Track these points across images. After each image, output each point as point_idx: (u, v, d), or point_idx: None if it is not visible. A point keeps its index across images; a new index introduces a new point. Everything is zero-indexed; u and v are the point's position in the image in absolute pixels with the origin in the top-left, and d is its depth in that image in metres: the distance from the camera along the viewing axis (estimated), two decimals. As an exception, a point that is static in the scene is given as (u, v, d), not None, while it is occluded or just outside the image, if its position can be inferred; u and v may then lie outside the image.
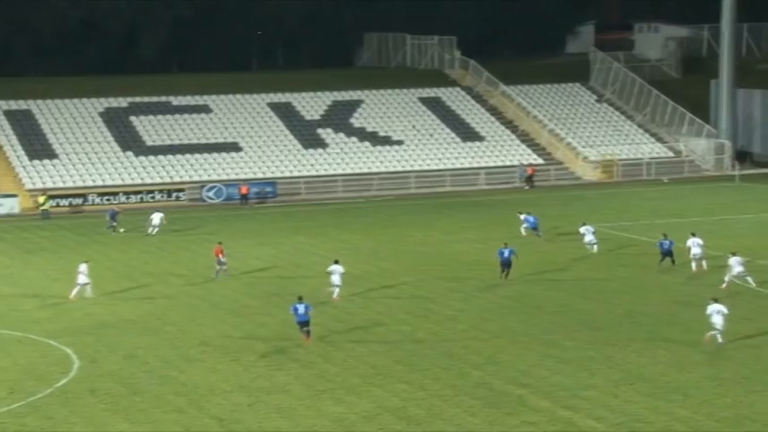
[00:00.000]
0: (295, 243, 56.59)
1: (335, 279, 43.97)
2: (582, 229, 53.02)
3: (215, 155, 79.18)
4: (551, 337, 37.93)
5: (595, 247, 52.42)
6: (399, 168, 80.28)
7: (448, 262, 51.60)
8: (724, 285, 44.21)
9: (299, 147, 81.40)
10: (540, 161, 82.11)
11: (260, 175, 77.53)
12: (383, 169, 79.94)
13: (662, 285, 45.71)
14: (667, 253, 48.51)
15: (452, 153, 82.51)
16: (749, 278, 44.38)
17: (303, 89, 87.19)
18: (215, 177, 76.67)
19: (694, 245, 47.97)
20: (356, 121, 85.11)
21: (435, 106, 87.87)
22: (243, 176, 76.91)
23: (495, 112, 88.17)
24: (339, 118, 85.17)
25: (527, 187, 77.97)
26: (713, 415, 30.27)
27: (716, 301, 37.48)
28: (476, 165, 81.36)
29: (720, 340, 36.45)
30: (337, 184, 77.31)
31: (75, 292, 44.74)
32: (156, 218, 59.51)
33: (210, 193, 74.47)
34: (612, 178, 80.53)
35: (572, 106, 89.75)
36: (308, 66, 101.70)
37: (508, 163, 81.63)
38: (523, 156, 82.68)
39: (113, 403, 32.24)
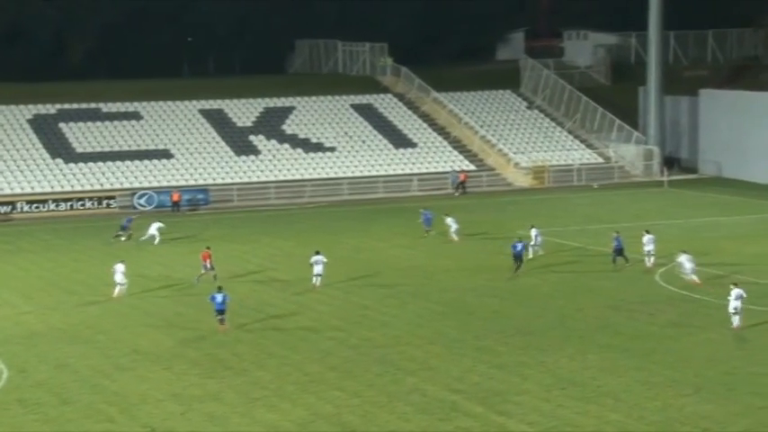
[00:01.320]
0: (227, 250, 56.31)
1: (318, 269, 46.63)
2: (532, 232, 53.48)
3: (146, 162, 78.50)
4: (484, 343, 38.13)
5: (540, 250, 53.06)
6: (332, 175, 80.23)
7: (381, 268, 51.65)
8: (696, 279, 45.85)
9: (231, 153, 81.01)
10: (472, 167, 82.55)
11: (192, 183, 76.98)
12: (316, 176, 79.84)
13: (593, 290, 46.18)
14: (618, 252, 48.80)
15: (385, 159, 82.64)
16: (694, 276, 45.82)
17: (235, 96, 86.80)
18: (146, 185, 76.00)
19: (649, 242, 49.38)
20: (288, 127, 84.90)
21: (367, 113, 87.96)
22: (174, 183, 76.31)
23: (427, 118, 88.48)
24: (271, 124, 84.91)
25: (457, 194, 78.30)
26: (644, 419, 30.65)
27: (735, 285, 39.27)
28: (408, 171, 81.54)
29: (736, 323, 38.22)
30: (270, 191, 77.04)
31: (116, 291, 45.58)
32: (153, 228, 58.78)
33: (142, 201, 73.81)
34: (544, 184, 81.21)
35: (503, 113, 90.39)
36: (240, 72, 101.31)
37: (440, 169, 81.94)
38: (455, 162, 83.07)
39: (43, 414, 31.81)
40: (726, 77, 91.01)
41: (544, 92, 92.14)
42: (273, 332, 40.25)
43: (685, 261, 46.03)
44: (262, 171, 79.77)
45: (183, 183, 76.60)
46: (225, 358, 36.88)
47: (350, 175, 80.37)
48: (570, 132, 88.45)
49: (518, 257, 48.78)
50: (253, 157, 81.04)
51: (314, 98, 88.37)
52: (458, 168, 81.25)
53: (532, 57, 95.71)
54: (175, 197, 73.46)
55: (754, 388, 32.66)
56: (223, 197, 75.81)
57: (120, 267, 46.00)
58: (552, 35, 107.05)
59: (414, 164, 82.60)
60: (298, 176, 79.58)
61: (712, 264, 49.31)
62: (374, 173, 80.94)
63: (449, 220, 58.92)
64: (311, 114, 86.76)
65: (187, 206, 73.49)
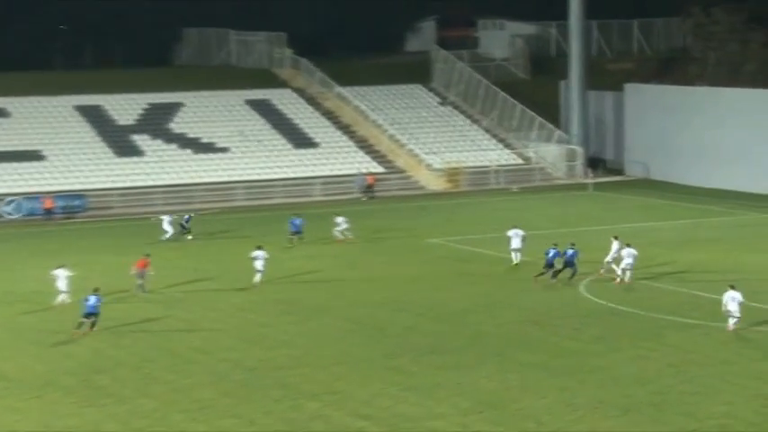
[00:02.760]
0: (106, 263, 55.54)
1: (258, 264, 48.99)
2: (510, 233, 53.56)
3: (14, 164, 77.23)
4: (395, 363, 38.08)
5: (516, 256, 53.00)
6: (225, 178, 79.74)
7: (281, 281, 51.38)
8: (617, 280, 47.54)
9: (111, 155, 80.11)
10: (381, 169, 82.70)
11: (66, 187, 75.90)
12: (207, 180, 79.27)
13: (513, 304, 46.46)
14: (569, 263, 48.86)
15: (284, 161, 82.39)
16: (629, 273, 47.29)
17: (115, 90, 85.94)
18: (14, 190, 74.73)
19: (630, 255, 49.27)
20: (176, 126, 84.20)
21: (264, 109, 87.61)
22: (47, 189, 75.17)
23: (330, 116, 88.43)
24: (156, 123, 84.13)
25: (364, 198, 78.33)
26: (569, 443, 30.83)
27: (732, 287, 40.12)
28: (310, 174, 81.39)
29: (732, 327, 39.83)
30: (156, 197, 76.29)
31: (59, 299, 46.24)
32: (165, 222, 61.44)
33: (9, 208, 72.53)
34: (458, 187, 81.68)
35: (413, 109, 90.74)
36: (121, 64, 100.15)
37: (346, 172, 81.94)
38: (362, 164, 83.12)
39: None
40: (653, 71, 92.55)
41: (458, 86, 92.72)
42: (160, 354, 39.73)
43: (627, 255, 47.87)
44: (146, 174, 78.95)
45: (56, 188, 75.51)
46: (104, 385, 36.28)
47: (245, 178, 79.96)
48: (487, 131, 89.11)
49: (549, 265, 48.67)
50: (135, 158, 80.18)
51: (204, 93, 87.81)
52: (364, 170, 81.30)
53: (445, 48, 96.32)
54: (48, 204, 72.36)
55: (686, 408, 33.08)
56: (102, 204, 74.87)
57: (60, 273, 46.11)
58: (466, 24, 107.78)
59: (316, 166, 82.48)
60: (187, 180, 78.93)
61: (643, 274, 49.88)
62: (272, 176, 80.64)
63: (339, 219, 60.39)
64: (201, 111, 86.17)
65: (61, 214, 72.40)
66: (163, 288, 49.64)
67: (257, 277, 49.67)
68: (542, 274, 49.01)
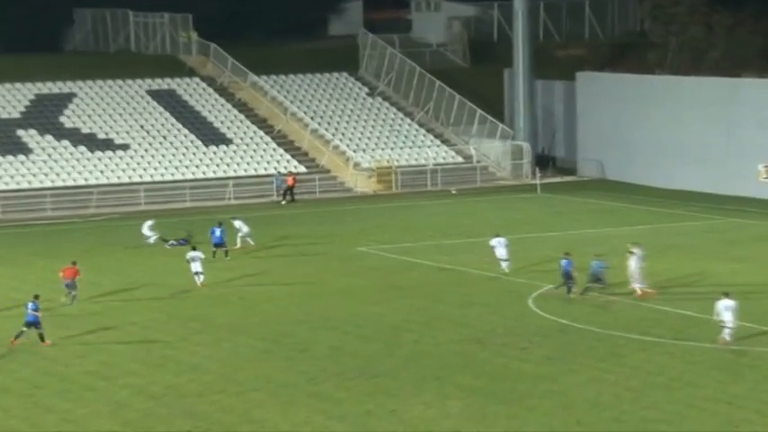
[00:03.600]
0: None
1: (196, 266, 52.00)
2: (493, 242, 53.86)
3: None
4: (321, 388, 38.04)
5: (506, 265, 53.44)
6: (125, 179, 79.29)
7: (189, 296, 51.10)
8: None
9: (-6, 153, 79.47)
10: (303, 169, 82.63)
11: (-58, 190, 75.24)
12: (104, 181, 78.79)
13: (453, 320, 46.59)
14: (567, 275, 48.86)
15: (192, 160, 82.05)
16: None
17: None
18: None
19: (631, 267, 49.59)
20: (68, 119, 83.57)
21: (169, 101, 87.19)
22: None
23: (244, 108, 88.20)
24: (45, 116, 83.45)
25: (284, 201, 78.21)
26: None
27: (726, 295, 41.27)
28: (222, 174, 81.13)
29: (728, 339, 40.75)
30: (45, 200, 75.68)
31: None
32: (145, 227, 62.78)
33: None
34: (391, 189, 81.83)
35: (339, 101, 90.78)
36: (3, 50, 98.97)
37: (262, 171, 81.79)
38: (281, 163, 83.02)
39: None
40: (607, 57, 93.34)
41: (389, 75, 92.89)
42: (51, 380, 39.39)
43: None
44: (34, 175, 78.29)
45: (-70, 191, 74.75)
46: (-14, 416, 35.87)
47: (148, 179, 79.55)
48: (421, 125, 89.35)
49: (568, 276, 48.60)
50: (22, 157, 79.49)
51: (100, 83, 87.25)
52: (284, 171, 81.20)
53: (373, 32, 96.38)
54: None
55: (649, 436, 33.40)
56: (-17, 209, 74.27)
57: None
58: (397, 5, 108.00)
59: (229, 165, 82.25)
60: (81, 182, 78.38)
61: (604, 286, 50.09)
62: (178, 176, 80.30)
63: (237, 223, 60.74)
64: (97, 103, 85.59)
65: (-64, 221, 71.59)
66: (54, 306, 49.12)
67: (200, 279, 52.21)
68: (570, 289, 48.79)
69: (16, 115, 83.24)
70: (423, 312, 47.91)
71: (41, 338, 43.10)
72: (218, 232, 58.57)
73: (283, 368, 40.47)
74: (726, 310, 41.08)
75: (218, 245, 58.34)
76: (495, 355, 41.43)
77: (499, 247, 54.07)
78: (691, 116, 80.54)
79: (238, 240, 60.70)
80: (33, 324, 43.08)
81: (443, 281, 53.55)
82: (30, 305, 43.24)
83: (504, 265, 53.87)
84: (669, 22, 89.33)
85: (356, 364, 40.69)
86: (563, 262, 49.02)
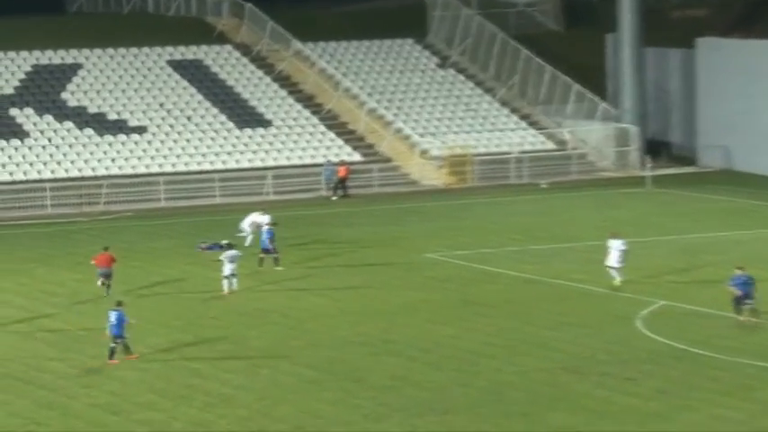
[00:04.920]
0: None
1: (230, 268, 53.70)
2: (612, 244, 54.01)
3: None
4: (381, 427, 38.17)
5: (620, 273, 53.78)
6: (142, 170, 79.79)
7: (219, 313, 51.39)
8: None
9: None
10: (358, 157, 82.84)
11: None
12: (116, 171, 79.39)
13: (544, 344, 46.59)
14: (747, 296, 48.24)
15: (223, 146, 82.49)
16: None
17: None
18: None
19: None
20: (72, 96, 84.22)
21: (194, 73, 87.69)
22: None
23: (286, 82, 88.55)
24: (45, 92, 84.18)
25: (335, 197, 78.43)
26: None
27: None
28: (259, 164, 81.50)
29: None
30: (45, 194, 76.29)
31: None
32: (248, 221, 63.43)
33: None
34: (465, 183, 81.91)
35: (402, 74, 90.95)
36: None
37: (308, 161, 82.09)
38: (331, 149, 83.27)
39: None
40: (735, 19, 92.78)
41: (464, 42, 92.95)
42: (51, 414, 39.74)
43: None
44: (31, 164, 79.04)
45: None
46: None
47: (168, 169, 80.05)
48: (504, 104, 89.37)
49: (745, 296, 48.15)
50: (17, 142, 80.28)
51: (110, 51, 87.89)
52: (335, 159, 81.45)
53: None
54: None
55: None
56: (-31, 204, 75.16)
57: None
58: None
59: (267, 152, 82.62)
60: (88, 172, 79.02)
61: (723, 304, 49.87)
62: (207, 167, 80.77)
63: (262, 219, 60.91)
64: (107, 76, 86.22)
65: None
66: (62, 326, 49.60)
67: (233, 285, 53.75)
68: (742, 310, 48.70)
69: (9, 91, 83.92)
70: (506, 334, 47.92)
71: (127, 350, 44.92)
72: (264, 235, 58.76)
73: (334, 402, 40.59)
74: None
75: (266, 250, 58.44)
76: (594, 387, 41.41)
77: (615, 251, 53.83)
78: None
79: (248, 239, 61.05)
80: (119, 337, 44.86)
81: (531, 296, 53.52)
82: (112, 315, 44.91)
83: (614, 273, 53.75)
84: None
85: (424, 398, 40.77)
86: (738, 278, 48.11)
